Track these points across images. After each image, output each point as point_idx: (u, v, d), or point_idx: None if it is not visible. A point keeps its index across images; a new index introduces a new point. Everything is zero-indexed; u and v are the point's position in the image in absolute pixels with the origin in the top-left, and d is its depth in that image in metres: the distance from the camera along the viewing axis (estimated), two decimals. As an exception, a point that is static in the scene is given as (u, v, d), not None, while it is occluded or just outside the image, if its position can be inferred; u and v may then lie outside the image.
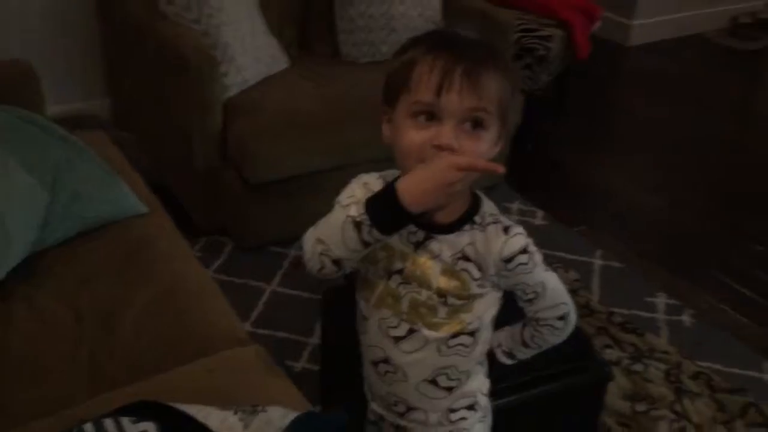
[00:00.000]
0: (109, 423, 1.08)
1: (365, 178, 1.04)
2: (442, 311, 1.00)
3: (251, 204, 2.29)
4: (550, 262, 2.23)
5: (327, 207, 2.07)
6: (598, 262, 2.40)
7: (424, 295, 1.00)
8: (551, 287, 1.03)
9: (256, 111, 2.24)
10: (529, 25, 2.95)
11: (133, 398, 1.14)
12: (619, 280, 2.31)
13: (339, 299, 1.57)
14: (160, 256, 1.59)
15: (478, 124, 0.92)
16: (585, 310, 2.12)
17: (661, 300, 2.24)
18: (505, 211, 2.60)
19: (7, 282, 1.42)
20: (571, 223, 2.61)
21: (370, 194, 0.95)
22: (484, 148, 0.93)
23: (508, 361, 1.15)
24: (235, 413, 1.14)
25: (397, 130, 0.95)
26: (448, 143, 0.90)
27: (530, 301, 1.03)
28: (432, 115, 0.91)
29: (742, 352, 2.06)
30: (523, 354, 1.14)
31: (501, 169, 0.91)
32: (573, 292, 2.18)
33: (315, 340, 1.99)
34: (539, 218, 2.63)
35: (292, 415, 1.14)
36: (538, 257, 1.00)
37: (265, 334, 2.00)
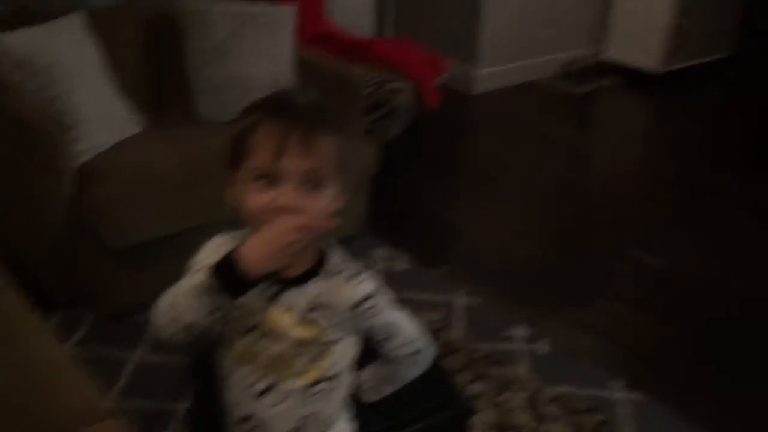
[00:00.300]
0: None
1: (218, 240, 1.07)
2: (301, 361, 1.04)
3: (111, 270, 2.23)
4: (416, 304, 2.33)
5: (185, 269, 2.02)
6: (460, 301, 2.52)
7: (281, 347, 1.03)
8: (402, 326, 1.09)
9: (111, 175, 2.20)
10: (379, 79, 3.09)
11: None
12: (480, 317, 2.44)
13: (207, 361, 1.56)
14: (13, 335, 1.52)
15: (316, 184, 0.97)
16: (449, 348, 2.21)
17: (519, 332, 2.38)
18: (370, 258, 2.69)
19: None
20: (434, 265, 2.73)
21: (221, 256, 0.97)
22: (324, 206, 0.99)
23: (374, 398, 1.19)
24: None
25: (240, 194, 0.99)
26: (288, 205, 0.95)
27: (384, 341, 1.09)
28: (272, 179, 0.96)
29: (594, 373, 2.22)
30: (387, 390, 1.18)
31: (335, 225, 0.97)
32: (437, 331, 2.28)
33: (186, 404, 1.95)
34: (403, 262, 2.72)
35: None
36: (385, 300, 1.06)
37: (131, 407, 1.94)
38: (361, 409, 1.19)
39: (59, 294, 2.28)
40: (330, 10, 3.31)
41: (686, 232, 3.11)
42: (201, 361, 1.59)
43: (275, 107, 0.99)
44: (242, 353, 1.05)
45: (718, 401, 2.17)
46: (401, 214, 3.12)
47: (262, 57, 2.62)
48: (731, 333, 2.49)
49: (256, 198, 0.97)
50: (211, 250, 1.04)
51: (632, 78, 4.70)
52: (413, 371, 1.15)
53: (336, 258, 1.06)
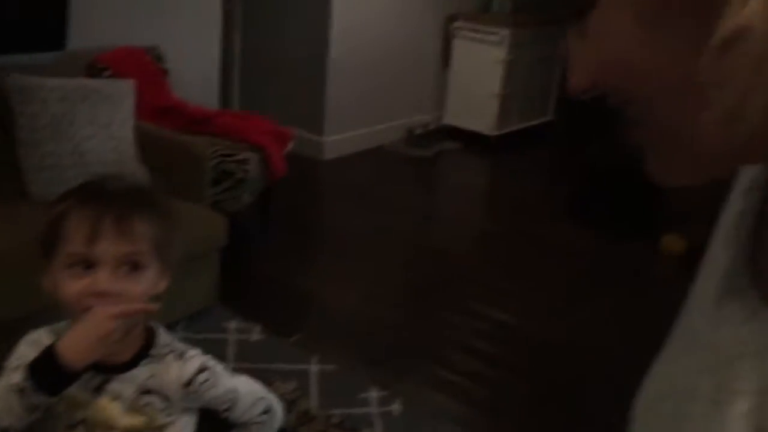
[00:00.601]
0: None
1: (34, 335, 1.04)
2: None
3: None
4: (270, 374, 2.31)
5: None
6: (314, 368, 2.53)
7: None
8: (244, 390, 1.10)
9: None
10: (225, 150, 3.10)
11: None
12: (334, 383, 2.46)
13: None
14: None
15: (135, 267, 0.97)
16: (305, 417, 2.21)
17: (373, 394, 2.42)
18: (223, 331, 2.66)
19: None
20: (288, 333, 2.73)
21: (38, 353, 0.95)
22: (145, 288, 0.99)
23: None
24: None
25: (57, 281, 0.98)
26: (105, 289, 0.95)
27: (229, 409, 1.09)
28: (88, 264, 0.95)
29: (449, 430, 2.30)
30: None
31: (154, 308, 0.98)
32: (293, 402, 2.28)
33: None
34: (257, 333, 2.70)
35: None
36: (219, 369, 1.07)
37: None
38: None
39: None
40: (174, 84, 3.31)
41: (528, 286, 3.32)
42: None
43: (87, 193, 1.00)
44: None
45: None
46: (253, 285, 3.11)
47: (100, 132, 2.56)
48: (585, 389, 2.64)
49: (73, 285, 0.96)
50: (28, 346, 1.01)
51: (470, 141, 5.01)
52: (269, 430, 1.15)
53: (164, 338, 1.06)
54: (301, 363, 2.54)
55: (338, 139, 4.55)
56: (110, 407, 1.01)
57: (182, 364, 1.03)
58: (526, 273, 3.45)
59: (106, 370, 1.01)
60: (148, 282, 1.00)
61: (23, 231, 2.26)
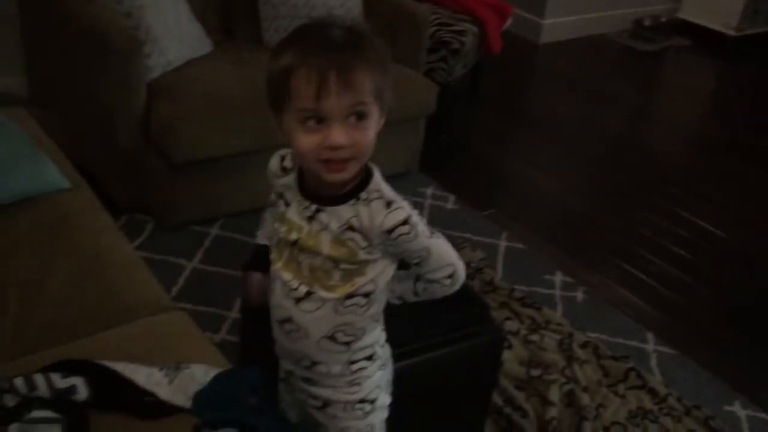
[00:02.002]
0: (38, 378, 1.15)
1: (282, 151, 1.19)
2: (336, 275, 1.12)
3: (173, 183, 2.35)
4: (459, 242, 2.39)
5: (248, 188, 2.20)
6: (503, 244, 2.57)
7: (318, 261, 1.12)
8: (436, 252, 1.15)
9: (180, 92, 2.30)
10: (444, 20, 3.10)
11: (58, 359, 1.21)
12: (521, 260, 2.50)
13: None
14: (84, 228, 1.64)
15: (360, 116, 1.02)
16: (489, 286, 2.28)
17: (557, 278, 2.43)
18: (419, 196, 2.76)
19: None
20: (481, 208, 2.78)
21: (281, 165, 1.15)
22: (371, 134, 1.05)
23: (397, 302, 1.25)
24: (161, 370, 1.23)
25: (289, 133, 1.05)
26: (339, 143, 1.01)
27: (417, 264, 1.16)
28: (319, 119, 1.01)
29: (626, 324, 2.27)
30: (412, 300, 1.26)
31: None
32: (479, 270, 2.35)
33: (234, 314, 2.07)
34: (451, 202, 2.78)
35: (213, 371, 1.25)
36: (420, 227, 1.11)
37: (185, 308, 2.07)
38: (395, 326, 1.27)
39: (125, 200, 2.42)
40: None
41: (741, 201, 3.09)
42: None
43: (310, 44, 1.02)
44: (288, 262, 1.15)
45: (747, 367, 2.21)
46: (454, 156, 3.16)
47: (330, -12, 2.65)
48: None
49: (307, 139, 1.02)
50: (275, 161, 1.18)
51: (704, 39, 4.57)
52: (443, 292, 1.22)
53: (376, 184, 1.11)
54: (490, 237, 2.60)
55: (558, 23, 4.35)
56: (318, 235, 1.11)
57: (388, 212, 1.08)
58: (742, 187, 3.19)
59: (320, 201, 1.11)
60: (373, 128, 1.05)
61: (255, 76, 2.46)
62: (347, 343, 1.17)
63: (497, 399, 1.87)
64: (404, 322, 1.26)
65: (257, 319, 1.73)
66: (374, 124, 1.05)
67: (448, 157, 3.12)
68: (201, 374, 1.24)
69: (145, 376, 1.21)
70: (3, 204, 1.62)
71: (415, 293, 1.23)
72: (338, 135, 1.01)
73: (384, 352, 1.26)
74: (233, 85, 2.39)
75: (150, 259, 2.23)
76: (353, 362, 1.20)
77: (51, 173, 1.72)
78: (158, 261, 2.24)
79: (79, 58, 2.36)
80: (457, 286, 1.21)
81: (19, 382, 1.13)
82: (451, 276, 1.19)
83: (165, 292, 1.59)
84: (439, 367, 1.56)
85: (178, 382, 1.22)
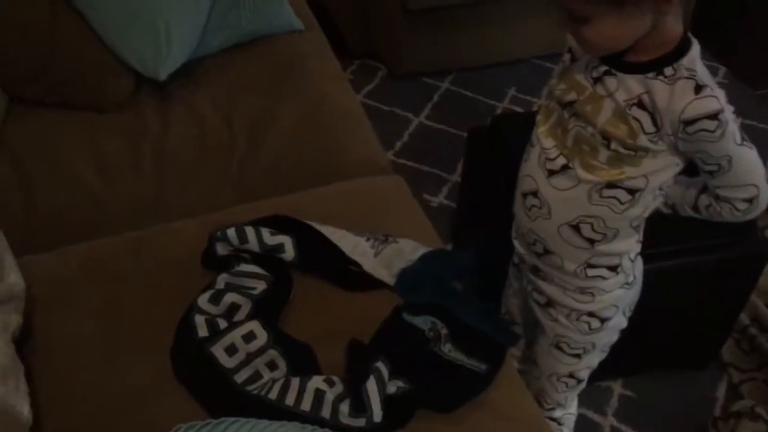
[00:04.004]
0: (249, 230, 1.13)
1: None
2: (603, 155, 0.93)
3: (408, 30, 2.21)
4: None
5: (485, 42, 1.97)
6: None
7: (588, 132, 0.93)
8: (741, 164, 0.90)
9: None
10: None
11: (271, 212, 1.18)
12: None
13: (487, 136, 1.52)
14: (312, 73, 1.58)
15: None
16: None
17: None
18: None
19: (167, 85, 1.48)
20: (756, 85, 2.34)
21: None
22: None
23: (666, 211, 1.06)
24: (368, 240, 1.15)
25: None
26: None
27: (711, 173, 0.92)
28: None
29: None
30: (686, 214, 1.03)
31: None
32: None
33: (455, 177, 1.97)
34: (720, 76, 2.37)
35: (422, 250, 1.15)
36: (731, 128, 0.87)
37: (406, 165, 2.00)
38: (652, 228, 1.07)
39: (357, 46, 2.34)
40: None
41: None
42: (479, 138, 1.56)
43: None
44: (554, 126, 0.98)
45: None
46: (731, 23, 2.66)
47: None
48: None
49: None
50: None
51: None
52: (733, 217, 0.97)
53: (690, 61, 0.87)
54: (762, 121, 2.19)
55: None
56: (599, 101, 0.92)
57: (695, 98, 0.85)
58: None
59: (614, 64, 0.90)
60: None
61: None
62: (591, 241, 1.00)
63: (743, 317, 1.62)
64: (658, 220, 1.05)
65: (478, 193, 1.61)
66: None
67: (725, 23, 2.63)
68: (409, 251, 1.15)
69: (352, 245, 1.14)
70: (235, 43, 1.60)
71: (695, 208, 1.00)
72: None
73: (634, 268, 1.07)
74: None
75: (377, 109, 2.16)
76: (591, 266, 1.03)
77: (285, 13, 1.66)
78: (386, 112, 2.16)
79: None
80: (753, 214, 0.96)
81: (231, 233, 1.11)
82: (750, 201, 0.93)
83: (386, 150, 1.50)
84: (689, 275, 1.35)
85: (384, 256, 1.14)
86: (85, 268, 1.14)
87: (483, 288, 1.15)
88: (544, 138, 0.99)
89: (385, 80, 2.31)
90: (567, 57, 0.98)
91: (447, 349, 1.04)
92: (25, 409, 0.83)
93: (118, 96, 1.46)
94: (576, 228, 0.99)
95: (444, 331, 1.04)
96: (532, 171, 1.01)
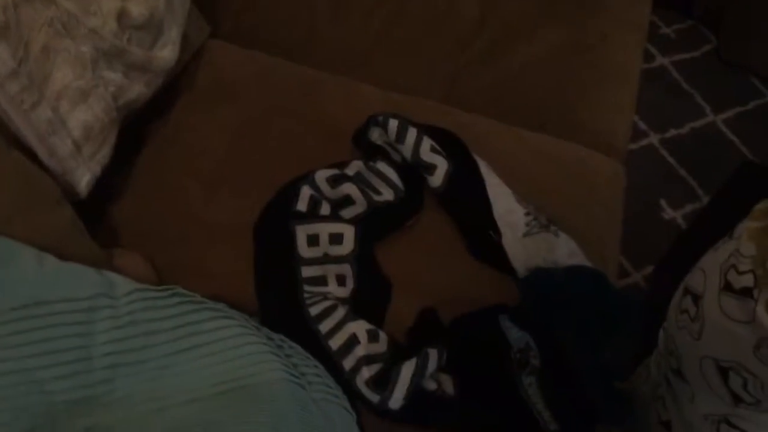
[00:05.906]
0: (411, 133, 0.96)
1: None
2: None
3: (764, 18, 1.78)
4: None
5: None
6: None
7: None
8: None
9: None
10: None
11: (457, 128, 1.01)
12: None
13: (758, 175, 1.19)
14: (607, 4, 1.31)
15: None
16: None
17: None
18: None
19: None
20: None
21: None
22: None
23: None
24: (527, 215, 0.95)
25: None
26: None
27: None
28: None
29: None
30: None
31: None
32: None
33: (708, 199, 1.61)
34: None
35: (579, 256, 0.92)
36: None
37: (664, 159, 1.68)
38: None
39: (699, 3, 1.95)
40: None
41: None
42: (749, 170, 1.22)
43: None
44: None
45: None
46: None
47: None
48: None
49: None
50: None
51: None
52: None
53: None
54: None
55: None
56: None
57: None
58: None
59: None
60: None
61: None
62: (737, 398, 0.72)
63: None
64: None
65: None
66: None
67: None
68: (563, 251, 0.92)
69: (506, 209, 0.94)
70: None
71: None
72: None
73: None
74: None
75: (675, 82, 1.84)
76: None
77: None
78: (682, 91, 1.83)
79: None
80: None
81: (392, 124, 0.96)
82: None
83: (628, 132, 1.22)
84: None
85: (533, 241, 0.93)
86: (258, 77, 1.07)
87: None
88: (747, 237, 0.68)
89: (707, 57, 1.92)
90: None
91: (527, 382, 0.83)
92: (84, 180, 0.79)
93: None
94: (724, 372, 0.71)
95: (535, 362, 0.83)
96: (708, 267, 0.72)
